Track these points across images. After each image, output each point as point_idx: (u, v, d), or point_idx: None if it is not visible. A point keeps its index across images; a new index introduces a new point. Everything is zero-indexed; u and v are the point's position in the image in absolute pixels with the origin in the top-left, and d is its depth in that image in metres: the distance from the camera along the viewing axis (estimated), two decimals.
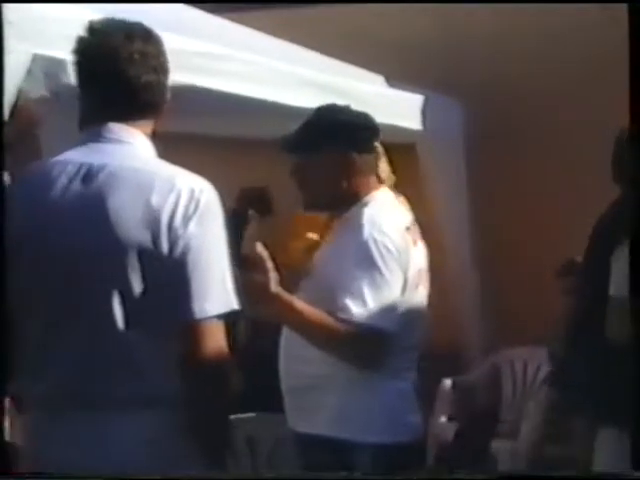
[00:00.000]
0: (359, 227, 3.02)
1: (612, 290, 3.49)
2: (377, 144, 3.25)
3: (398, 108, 5.45)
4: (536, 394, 5.61)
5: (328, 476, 2.91)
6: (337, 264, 3.02)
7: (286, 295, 2.93)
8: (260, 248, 2.87)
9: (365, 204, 3.12)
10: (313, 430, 3.06)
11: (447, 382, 5.61)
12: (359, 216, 3.07)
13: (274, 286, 2.88)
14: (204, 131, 5.05)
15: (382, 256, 2.97)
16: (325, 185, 3.17)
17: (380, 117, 5.10)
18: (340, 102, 3.39)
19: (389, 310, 2.97)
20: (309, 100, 4.35)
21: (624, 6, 3.10)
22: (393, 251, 3.00)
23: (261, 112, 4.41)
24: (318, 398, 3.06)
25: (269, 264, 2.86)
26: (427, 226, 5.42)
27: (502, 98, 6.21)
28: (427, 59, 6.31)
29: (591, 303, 3.71)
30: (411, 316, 3.10)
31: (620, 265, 3.45)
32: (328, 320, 2.92)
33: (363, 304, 2.91)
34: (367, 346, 2.94)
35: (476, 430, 4.78)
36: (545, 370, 5.61)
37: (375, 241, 2.98)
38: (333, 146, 3.14)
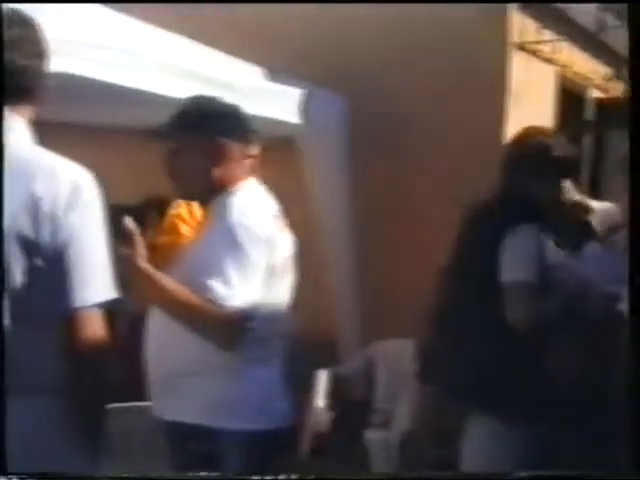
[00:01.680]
0: (227, 214, 3.04)
1: (506, 276, 3.61)
2: (248, 134, 3.28)
3: (279, 101, 5.49)
4: (409, 385, 5.72)
5: (328, 476, 2.93)
6: (205, 250, 3.04)
7: (152, 270, 2.94)
8: (129, 221, 2.89)
9: (233, 193, 3.14)
10: (182, 418, 3.07)
11: (323, 372, 5.68)
12: (227, 204, 3.09)
13: (140, 260, 2.90)
14: (84, 119, 5.01)
15: (249, 241, 2.99)
16: (196, 174, 3.18)
17: (261, 110, 5.20)
18: (220, 94, 3.41)
19: (254, 293, 3.00)
20: (191, 92, 4.37)
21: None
22: (260, 237, 3.03)
23: (142, 102, 4.41)
24: (187, 385, 3.07)
25: (138, 238, 2.89)
26: (305, 218, 5.54)
27: (384, 93, 6.32)
28: (310, 53, 6.38)
29: (467, 292, 3.85)
30: (277, 302, 3.15)
31: (510, 253, 3.64)
32: (194, 299, 2.92)
33: (228, 285, 2.93)
34: (230, 327, 2.95)
35: (350, 420, 4.87)
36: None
37: (242, 226, 3.00)
38: (203, 134, 3.15)
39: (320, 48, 6.41)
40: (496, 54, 6.40)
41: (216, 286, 2.93)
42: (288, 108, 5.60)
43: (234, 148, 3.18)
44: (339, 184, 6.07)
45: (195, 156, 3.16)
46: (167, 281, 2.95)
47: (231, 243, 2.99)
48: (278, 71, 5.69)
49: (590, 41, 8.02)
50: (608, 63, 8.78)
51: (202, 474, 2.69)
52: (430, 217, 6.13)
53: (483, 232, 3.90)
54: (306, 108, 5.71)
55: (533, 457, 3.83)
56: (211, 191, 3.17)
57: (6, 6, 2.30)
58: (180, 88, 4.48)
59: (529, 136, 4.04)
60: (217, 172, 3.15)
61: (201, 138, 3.15)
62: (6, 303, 2.15)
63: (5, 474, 2.18)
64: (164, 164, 3.22)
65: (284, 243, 3.21)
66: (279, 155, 5.12)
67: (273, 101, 5.39)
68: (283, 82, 5.64)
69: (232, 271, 2.95)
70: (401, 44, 6.39)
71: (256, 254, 3.01)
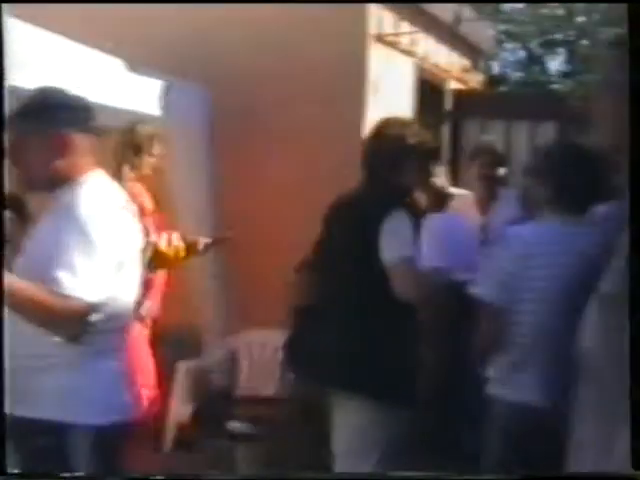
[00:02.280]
0: (74, 205, 3.02)
1: (389, 256, 3.77)
2: (93, 125, 3.26)
3: (141, 94, 5.46)
4: (273, 376, 5.78)
5: (329, 476, 2.92)
6: (51, 241, 3.00)
7: None
8: None
9: (79, 184, 3.12)
10: (30, 413, 3.03)
11: (184, 364, 5.67)
12: (74, 195, 3.07)
13: None
14: None
15: (96, 232, 2.97)
16: (39, 165, 3.15)
17: (123, 103, 5.16)
18: (82, 86, 3.39)
19: (101, 285, 2.99)
20: (48, 83, 4.32)
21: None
22: (107, 228, 3.03)
23: None
24: (34, 380, 3.05)
25: None
26: (167, 210, 5.53)
27: (247, 88, 6.34)
28: (172, 45, 6.35)
29: (338, 281, 3.93)
30: (124, 294, 3.16)
31: (388, 236, 3.81)
32: (37, 291, 2.90)
33: (75, 277, 2.92)
34: (76, 319, 2.94)
35: (213, 411, 4.89)
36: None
37: (89, 217, 2.99)
38: (47, 125, 3.13)
39: (183, 43, 6.39)
40: (355, 46, 6.49)
41: (63, 277, 2.90)
42: (149, 100, 5.57)
43: (79, 139, 3.15)
44: (200, 175, 6.06)
45: (39, 147, 3.11)
46: (8, 276, 2.90)
47: (78, 234, 2.94)
48: (139, 64, 5.65)
49: (447, 33, 8.19)
50: (465, 55, 8.99)
51: (203, 474, 2.66)
52: (295, 208, 6.18)
53: (350, 223, 3.99)
54: (167, 100, 5.68)
55: (404, 441, 3.96)
56: (55, 182, 3.14)
57: None
58: (37, 79, 4.42)
59: (388, 126, 4.13)
60: (61, 163, 3.12)
61: (45, 129, 3.11)
62: None
63: (5, 474, 2.15)
64: (9, 154, 3.18)
65: (132, 235, 3.21)
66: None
67: (134, 93, 5.36)
68: (144, 74, 5.60)
69: (79, 262, 2.92)
70: (262, 38, 6.42)
71: (104, 246, 3.00)
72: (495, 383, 3.69)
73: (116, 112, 4.92)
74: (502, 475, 3.09)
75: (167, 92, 5.70)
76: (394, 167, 3.99)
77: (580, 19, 14.82)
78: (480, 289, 3.64)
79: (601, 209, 3.41)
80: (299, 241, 5.47)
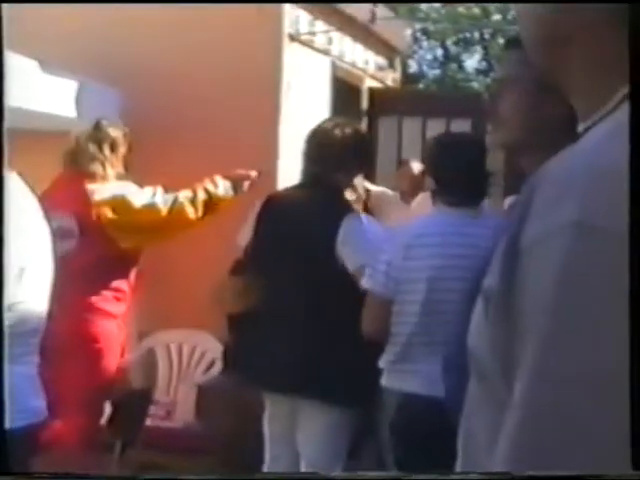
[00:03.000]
0: None
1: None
2: None
3: (53, 95, 5.41)
4: (191, 375, 5.78)
5: (329, 476, 2.88)
6: None
7: None
8: None
9: None
10: None
11: None
12: None
13: None
14: None
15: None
16: None
17: (35, 105, 5.11)
18: None
19: (10, 287, 2.97)
20: None
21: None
22: (20, 230, 3.01)
23: None
24: None
25: None
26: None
27: (161, 86, 6.32)
28: (84, 46, 6.30)
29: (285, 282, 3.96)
30: (32, 298, 3.14)
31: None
32: None
33: None
34: None
35: (131, 412, 4.87)
36: (201, 352, 5.80)
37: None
38: None
39: (95, 42, 6.35)
40: (270, 46, 6.50)
41: None
42: (62, 102, 5.53)
43: None
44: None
45: None
46: None
47: None
48: (53, 65, 5.60)
49: (363, 32, 8.24)
50: (381, 53, 9.05)
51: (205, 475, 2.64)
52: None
53: (301, 224, 4.00)
54: (79, 101, 5.64)
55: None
56: None
57: None
58: None
59: (334, 127, 4.16)
60: None
61: None
62: None
63: (5, 474, 2.12)
64: None
65: (43, 238, 3.18)
66: (56, 149, 5.06)
67: (47, 95, 5.31)
68: (57, 75, 5.55)
69: None
70: (176, 37, 6.39)
71: (14, 248, 2.97)
72: (385, 374, 3.72)
73: (28, 114, 4.88)
74: (502, 475, 3.08)
75: (80, 93, 5.65)
76: (341, 167, 4.03)
77: (495, 17, 15.02)
78: (367, 281, 3.67)
79: (508, 201, 3.48)
80: (218, 240, 5.50)
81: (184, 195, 4.84)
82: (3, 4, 2.37)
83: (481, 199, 3.70)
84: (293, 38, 6.76)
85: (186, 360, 5.85)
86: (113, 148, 4.88)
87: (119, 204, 4.67)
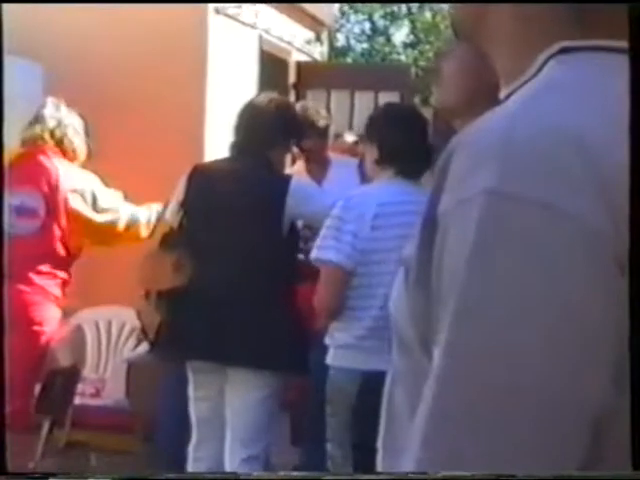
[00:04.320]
0: None
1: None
2: None
3: None
4: (121, 352, 5.73)
5: (329, 476, 2.83)
6: None
7: None
8: None
9: None
10: None
11: None
12: None
13: None
14: None
15: None
16: None
17: None
18: None
19: None
20: None
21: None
22: None
23: None
24: None
25: None
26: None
27: (82, 65, 6.23)
28: (8, 20, 6.18)
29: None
30: None
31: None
32: None
33: None
34: None
35: (60, 390, 4.82)
36: (130, 328, 5.75)
37: None
38: None
39: (18, 17, 6.23)
40: (195, 19, 6.44)
41: None
42: None
43: None
44: None
45: None
46: None
47: None
48: None
49: (289, 6, 8.21)
50: (308, 27, 9.02)
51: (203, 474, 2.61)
52: (138, 181, 6.10)
53: (224, 194, 3.98)
54: (4, 78, 5.54)
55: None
56: None
57: None
58: None
59: (268, 102, 4.16)
60: None
61: None
62: None
63: (5, 474, 2.06)
64: None
65: None
66: None
67: None
68: None
69: None
70: (99, 11, 6.30)
71: None
72: (340, 353, 3.69)
73: None
74: (501, 475, 3.10)
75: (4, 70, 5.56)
76: (272, 140, 4.04)
77: None
78: (327, 252, 3.63)
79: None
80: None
81: (144, 215, 4.91)
82: (3, 4, 2.32)
83: (425, 169, 3.71)
84: (218, 11, 6.70)
85: (115, 337, 5.80)
86: (78, 130, 4.89)
87: (87, 199, 4.73)
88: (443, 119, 2.33)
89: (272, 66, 7.91)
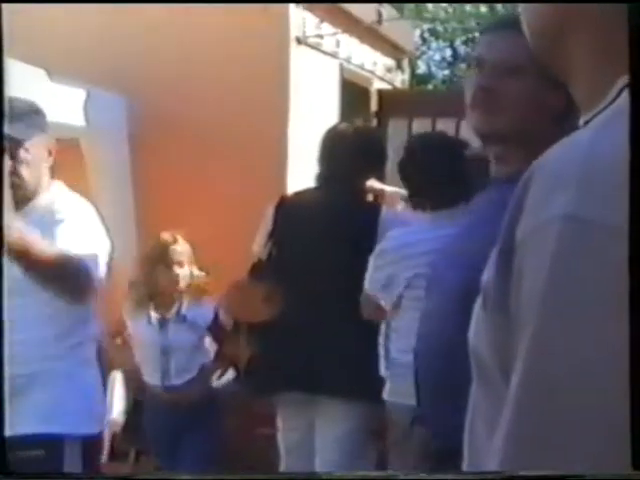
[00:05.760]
0: (54, 217, 3.07)
1: None
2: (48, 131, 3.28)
3: (61, 104, 5.42)
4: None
5: (331, 476, 2.88)
6: None
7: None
8: None
9: (49, 195, 3.16)
10: (22, 431, 3.03)
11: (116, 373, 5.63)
12: (47, 207, 3.12)
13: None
14: None
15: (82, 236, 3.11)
16: (17, 174, 3.15)
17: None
18: (6, 97, 3.38)
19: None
20: None
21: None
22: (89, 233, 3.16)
23: None
24: (22, 398, 3.04)
25: None
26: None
27: (166, 95, 6.32)
28: (90, 54, 6.31)
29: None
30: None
31: None
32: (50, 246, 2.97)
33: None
34: (84, 273, 3.03)
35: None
36: None
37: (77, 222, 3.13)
38: (26, 133, 3.14)
39: (101, 48, 6.36)
40: (277, 49, 6.49)
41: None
42: (72, 110, 5.54)
43: (43, 148, 3.18)
44: (123, 185, 6.04)
45: (12, 157, 3.13)
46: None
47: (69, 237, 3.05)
48: (59, 73, 5.61)
49: (370, 34, 8.23)
50: (389, 55, 9.03)
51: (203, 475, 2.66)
52: (220, 208, 6.17)
53: (312, 225, 3.98)
54: (87, 110, 5.65)
55: None
56: (28, 191, 3.16)
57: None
58: None
59: (337, 129, 4.16)
60: (27, 172, 3.14)
61: (11, 139, 3.11)
62: None
63: (5, 474, 2.12)
64: None
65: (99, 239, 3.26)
66: (65, 158, 5.06)
67: (55, 104, 5.32)
68: (64, 84, 5.57)
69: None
70: (181, 42, 6.40)
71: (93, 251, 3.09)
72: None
73: None
74: (501, 475, 3.06)
75: (87, 101, 5.67)
76: (355, 169, 4.03)
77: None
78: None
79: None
80: (228, 240, 5.50)
81: None
82: (3, 4, 2.38)
83: (457, 201, 3.65)
84: (300, 41, 6.75)
85: None
86: None
87: None
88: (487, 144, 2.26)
89: (353, 95, 7.93)
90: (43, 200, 3.17)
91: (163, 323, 4.35)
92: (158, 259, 4.37)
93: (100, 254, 3.15)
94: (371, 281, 3.66)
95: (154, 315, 4.49)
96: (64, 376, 3.06)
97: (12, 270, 3.02)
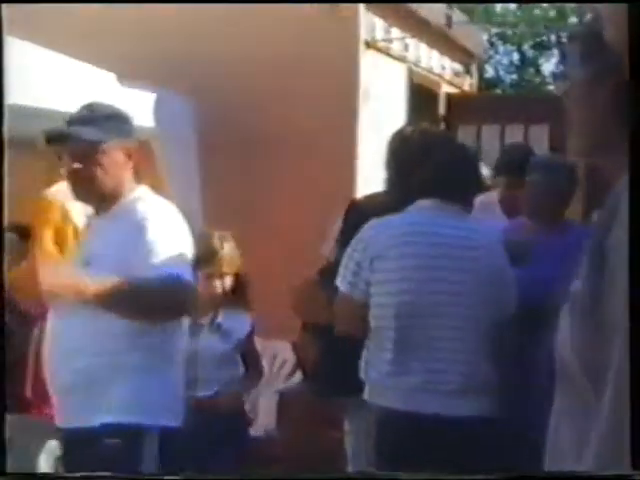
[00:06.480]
0: (144, 219, 3.11)
1: None
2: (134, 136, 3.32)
3: (131, 105, 5.46)
4: (272, 385, 5.77)
5: (329, 476, 2.92)
6: (127, 252, 3.09)
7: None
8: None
9: (137, 198, 3.20)
10: (100, 421, 3.07)
11: None
12: (136, 209, 3.14)
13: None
14: None
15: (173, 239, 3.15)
16: (92, 176, 3.19)
17: None
18: (75, 101, 3.43)
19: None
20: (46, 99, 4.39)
21: None
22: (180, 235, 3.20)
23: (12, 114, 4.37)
24: (102, 389, 3.08)
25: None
26: None
27: (232, 94, 6.35)
28: (158, 56, 6.37)
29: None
30: None
31: None
32: (132, 281, 3.02)
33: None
34: (174, 295, 3.06)
35: None
36: (281, 361, 5.80)
37: (166, 225, 3.16)
38: (102, 137, 3.17)
39: (168, 50, 6.41)
40: (346, 53, 6.50)
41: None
42: (141, 112, 5.59)
43: (127, 151, 3.22)
44: (193, 186, 6.08)
45: (92, 158, 3.17)
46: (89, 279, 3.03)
47: (160, 241, 3.09)
48: (127, 75, 5.67)
49: (439, 38, 8.20)
50: (457, 59, 9.00)
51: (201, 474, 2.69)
52: (289, 212, 6.19)
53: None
54: (158, 111, 5.70)
55: None
56: (107, 194, 3.19)
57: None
58: (36, 98, 4.48)
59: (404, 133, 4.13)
60: (113, 174, 3.18)
61: (98, 141, 3.17)
62: None
63: (5, 474, 2.15)
64: (63, 167, 3.24)
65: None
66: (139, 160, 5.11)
67: (127, 106, 5.37)
68: (133, 86, 5.62)
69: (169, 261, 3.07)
70: (250, 45, 6.43)
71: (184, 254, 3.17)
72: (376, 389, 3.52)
73: None
74: (501, 475, 3.05)
75: (156, 103, 5.72)
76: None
77: (572, 20, 14.86)
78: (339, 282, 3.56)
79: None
80: (295, 245, 5.52)
81: None
82: (3, 4, 2.41)
83: (468, 196, 3.61)
84: (369, 45, 6.75)
85: (267, 369, 5.85)
86: None
87: None
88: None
89: (421, 99, 7.91)
90: (128, 204, 3.18)
91: (195, 329, 4.18)
92: (203, 263, 4.24)
93: (189, 258, 3.18)
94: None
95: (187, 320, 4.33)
96: (146, 370, 3.10)
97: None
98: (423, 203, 3.55)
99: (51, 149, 3.43)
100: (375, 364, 3.48)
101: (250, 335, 4.35)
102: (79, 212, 4.73)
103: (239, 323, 4.32)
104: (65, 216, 4.76)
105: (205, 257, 4.16)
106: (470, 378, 3.36)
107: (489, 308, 3.41)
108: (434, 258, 3.40)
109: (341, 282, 3.53)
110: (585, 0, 5.82)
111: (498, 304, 3.43)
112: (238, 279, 4.36)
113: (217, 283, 4.26)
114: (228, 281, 4.30)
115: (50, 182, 4.79)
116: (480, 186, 3.73)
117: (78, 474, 2.37)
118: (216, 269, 4.26)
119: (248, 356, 4.35)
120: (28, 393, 4.66)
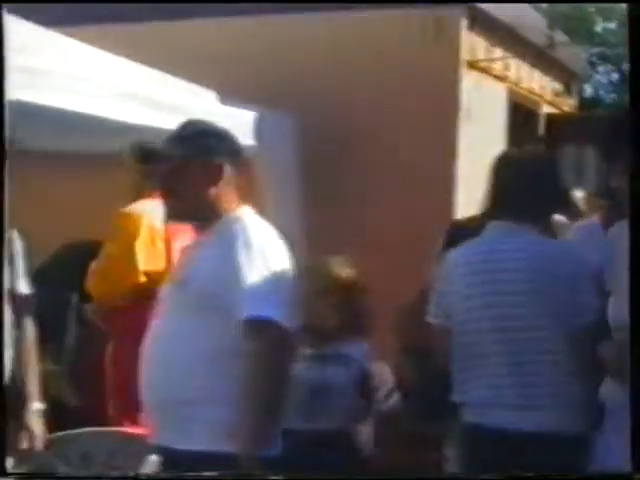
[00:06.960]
0: (240, 239, 3.05)
1: None
2: (241, 156, 3.29)
3: (231, 124, 5.51)
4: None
5: (328, 476, 2.90)
6: (226, 273, 3.02)
7: None
8: None
9: (237, 217, 3.15)
10: (192, 446, 3.02)
11: None
12: (235, 228, 3.11)
13: None
14: (53, 147, 5.01)
15: (276, 262, 3.07)
16: (191, 194, 3.18)
17: None
18: (176, 119, 3.44)
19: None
20: (144, 116, 4.44)
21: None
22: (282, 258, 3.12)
23: (102, 128, 4.45)
24: (199, 411, 3.03)
25: None
26: None
27: (333, 112, 6.36)
28: (257, 74, 6.42)
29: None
30: None
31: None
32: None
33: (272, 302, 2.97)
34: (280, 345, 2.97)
35: None
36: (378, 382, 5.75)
37: (269, 247, 3.08)
38: (202, 155, 3.15)
39: (267, 70, 6.46)
40: (447, 73, 6.47)
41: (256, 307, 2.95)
42: (242, 131, 5.63)
43: (233, 171, 3.19)
44: (294, 203, 6.09)
45: (192, 176, 3.13)
46: None
47: (262, 266, 3.01)
48: (227, 93, 5.71)
49: (540, 57, 8.13)
50: (558, 78, 8.90)
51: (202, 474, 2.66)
52: (390, 235, 6.16)
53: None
54: (258, 130, 5.73)
55: None
56: (209, 213, 3.17)
57: None
58: (133, 113, 4.52)
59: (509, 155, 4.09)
60: (214, 193, 3.15)
61: (199, 158, 3.13)
62: None
63: (5, 474, 2.16)
64: (159, 185, 3.25)
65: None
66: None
67: (228, 124, 5.41)
68: (234, 105, 5.67)
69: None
70: (352, 63, 6.44)
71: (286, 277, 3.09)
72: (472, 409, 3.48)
73: None
74: (501, 475, 3.00)
75: (257, 122, 5.75)
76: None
77: None
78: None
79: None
80: (394, 267, 5.48)
81: None
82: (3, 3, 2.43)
83: (542, 215, 3.56)
84: (471, 65, 6.72)
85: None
86: None
87: None
88: None
89: (521, 119, 7.84)
90: (228, 223, 3.13)
91: (316, 358, 4.05)
92: (321, 290, 4.06)
93: (291, 284, 3.12)
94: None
95: (307, 350, 4.11)
96: (229, 399, 3.03)
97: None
98: (494, 224, 3.53)
99: (138, 166, 3.43)
100: (467, 384, 3.46)
101: (368, 363, 4.23)
102: (161, 229, 4.77)
103: (357, 350, 4.20)
104: (153, 232, 4.80)
105: (324, 283, 4.08)
106: (559, 394, 3.33)
107: (565, 321, 3.35)
108: (500, 282, 3.40)
109: (429, 313, 3.55)
110: (585, 0, 5.71)
111: (575, 316, 3.36)
112: (358, 304, 4.21)
113: (339, 311, 4.14)
114: (350, 308, 4.16)
115: (134, 198, 4.84)
116: (557, 204, 3.66)
117: (78, 474, 2.34)
118: (338, 296, 4.18)
119: (365, 385, 4.24)
120: (110, 410, 4.67)
